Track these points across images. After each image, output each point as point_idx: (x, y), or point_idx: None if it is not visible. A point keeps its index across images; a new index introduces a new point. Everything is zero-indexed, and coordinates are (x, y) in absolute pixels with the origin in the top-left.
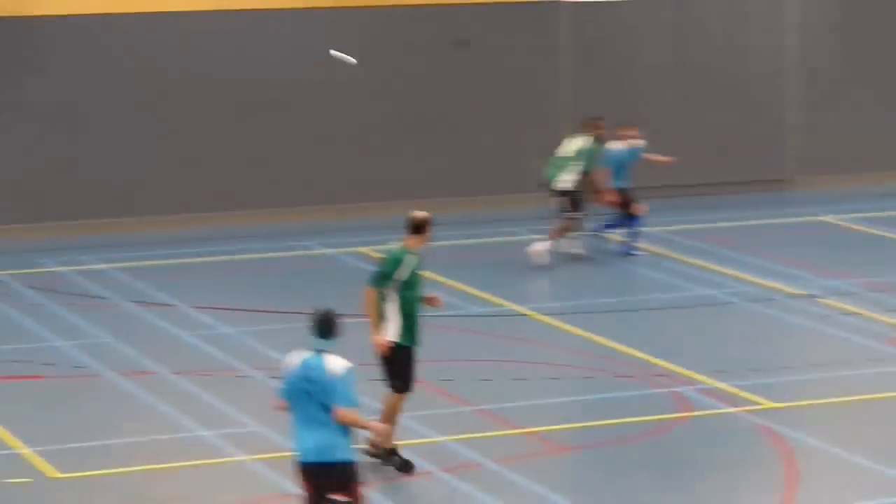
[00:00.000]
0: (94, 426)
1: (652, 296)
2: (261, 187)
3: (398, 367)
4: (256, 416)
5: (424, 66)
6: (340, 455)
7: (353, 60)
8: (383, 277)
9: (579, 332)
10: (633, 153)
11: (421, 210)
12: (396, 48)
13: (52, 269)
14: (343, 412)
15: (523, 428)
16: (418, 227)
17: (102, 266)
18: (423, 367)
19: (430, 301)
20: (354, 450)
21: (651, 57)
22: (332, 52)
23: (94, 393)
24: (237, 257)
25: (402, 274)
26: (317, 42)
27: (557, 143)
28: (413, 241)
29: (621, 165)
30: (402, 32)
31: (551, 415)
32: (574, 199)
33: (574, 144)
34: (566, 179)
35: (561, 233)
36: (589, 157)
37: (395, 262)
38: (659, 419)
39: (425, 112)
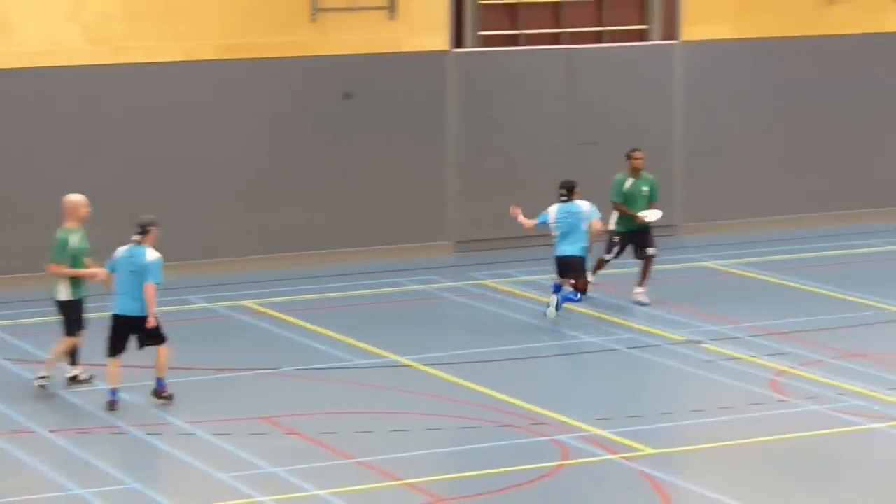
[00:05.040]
0: None
1: (535, 344)
2: None
3: None
4: (133, 473)
5: (315, 117)
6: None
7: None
8: None
9: (461, 381)
10: None
11: None
12: (286, 100)
13: None
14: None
15: (404, 480)
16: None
17: None
18: (303, 420)
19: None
20: None
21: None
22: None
23: None
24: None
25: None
26: (202, 95)
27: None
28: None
29: None
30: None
31: (432, 466)
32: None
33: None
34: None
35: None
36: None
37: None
38: (539, 468)
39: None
